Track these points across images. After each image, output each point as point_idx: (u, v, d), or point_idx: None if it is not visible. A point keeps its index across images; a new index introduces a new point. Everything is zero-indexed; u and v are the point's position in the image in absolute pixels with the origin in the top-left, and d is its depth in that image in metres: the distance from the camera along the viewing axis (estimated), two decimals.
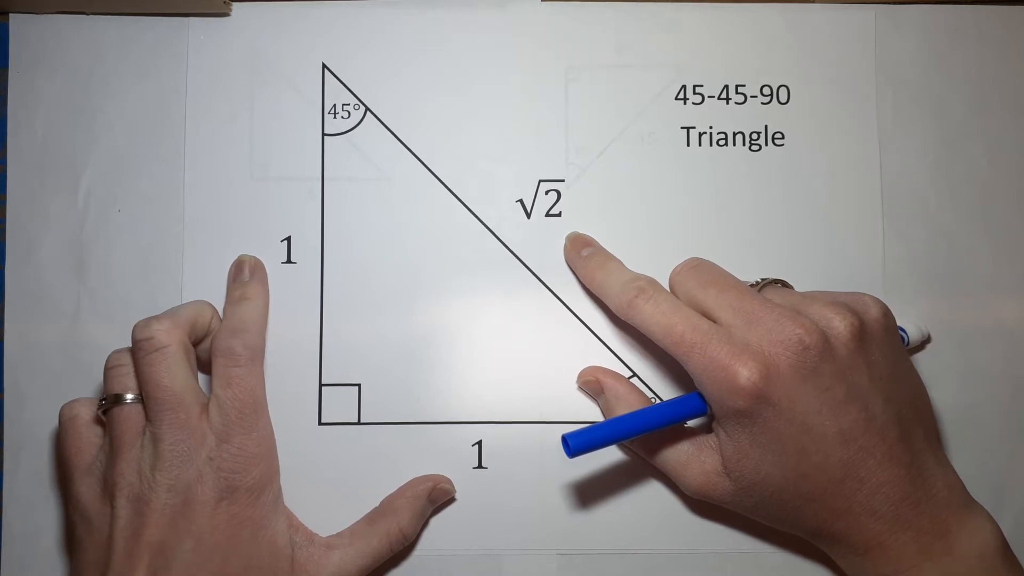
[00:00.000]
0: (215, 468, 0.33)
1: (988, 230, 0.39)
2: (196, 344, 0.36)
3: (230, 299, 0.37)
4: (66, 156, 0.39)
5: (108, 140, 0.39)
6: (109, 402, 0.34)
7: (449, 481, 0.37)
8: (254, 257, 0.38)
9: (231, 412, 0.33)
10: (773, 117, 0.39)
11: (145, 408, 0.34)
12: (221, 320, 0.37)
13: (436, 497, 0.37)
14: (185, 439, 0.33)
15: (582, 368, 0.38)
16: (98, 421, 0.35)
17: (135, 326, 0.34)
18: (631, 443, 0.37)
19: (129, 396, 0.34)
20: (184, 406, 0.33)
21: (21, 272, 0.39)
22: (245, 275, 0.37)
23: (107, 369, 0.35)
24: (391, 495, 0.37)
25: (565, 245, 0.39)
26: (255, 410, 0.34)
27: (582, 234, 0.39)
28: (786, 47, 0.39)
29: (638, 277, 0.36)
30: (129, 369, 0.34)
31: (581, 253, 0.38)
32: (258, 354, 0.35)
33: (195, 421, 0.33)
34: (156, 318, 0.34)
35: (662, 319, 0.34)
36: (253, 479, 0.33)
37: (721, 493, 0.35)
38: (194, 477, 0.32)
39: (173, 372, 0.33)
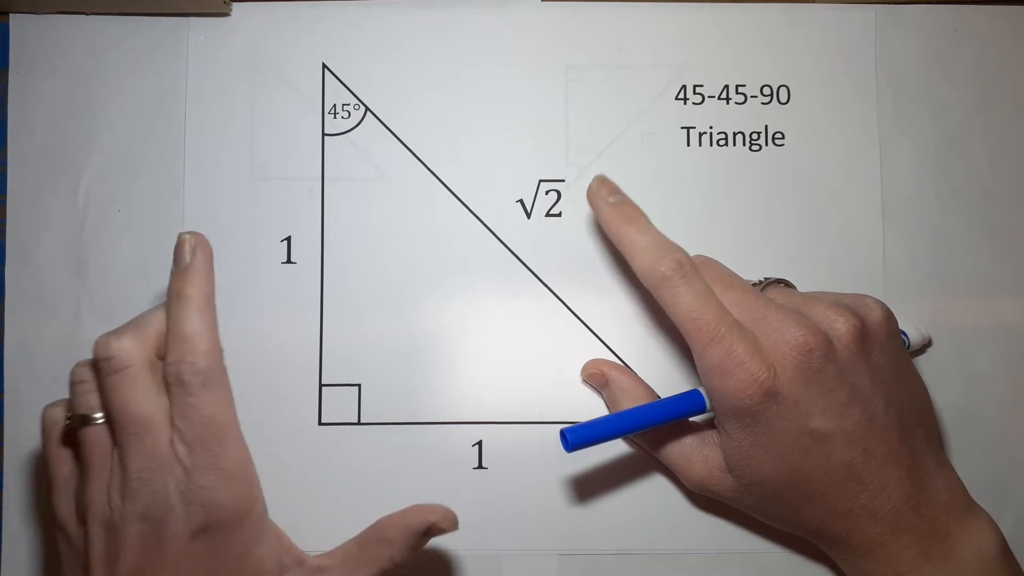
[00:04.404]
0: (186, 502, 0.30)
1: (988, 230, 0.39)
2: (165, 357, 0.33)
3: (168, 296, 0.33)
4: (66, 156, 0.39)
5: (108, 140, 0.39)
6: (75, 422, 0.32)
7: (452, 518, 0.34)
8: (195, 233, 0.33)
9: (194, 443, 0.31)
10: (773, 117, 0.39)
11: (111, 430, 0.31)
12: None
13: (434, 534, 0.34)
14: (153, 467, 0.30)
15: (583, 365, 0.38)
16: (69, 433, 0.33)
17: (96, 343, 0.31)
18: (634, 435, 0.37)
19: (97, 416, 0.32)
20: (151, 431, 0.31)
21: (21, 272, 0.39)
22: (185, 258, 0.33)
23: (72, 384, 0.32)
24: (387, 519, 0.34)
25: (591, 186, 0.35)
26: (218, 436, 0.31)
27: (609, 179, 0.36)
28: (786, 47, 0.39)
29: (675, 248, 0.33)
30: (93, 386, 0.32)
31: (608, 199, 0.35)
32: (211, 374, 0.31)
33: (163, 448, 0.31)
34: (117, 333, 0.31)
35: (692, 302, 0.32)
36: (228, 511, 0.31)
37: (723, 488, 0.35)
38: (164, 509, 0.30)
39: (137, 395, 0.31)
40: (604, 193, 0.35)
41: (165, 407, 0.31)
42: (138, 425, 0.31)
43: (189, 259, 0.33)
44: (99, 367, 0.31)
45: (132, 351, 0.31)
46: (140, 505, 0.30)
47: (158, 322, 0.32)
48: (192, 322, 0.32)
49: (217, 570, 0.31)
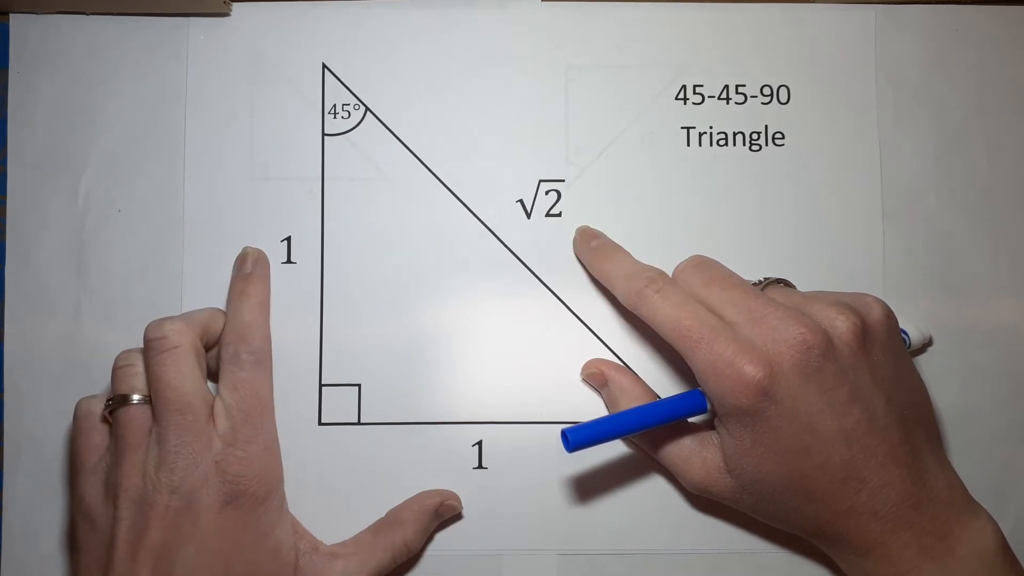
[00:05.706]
0: (220, 472, 0.33)
1: (988, 230, 0.39)
2: (207, 350, 0.36)
3: (232, 294, 0.37)
4: (66, 156, 0.39)
5: (108, 140, 0.39)
6: (116, 402, 0.34)
7: (457, 497, 0.37)
8: (257, 249, 0.38)
9: (237, 416, 0.34)
10: (773, 117, 0.39)
11: (153, 408, 0.33)
12: None
13: (443, 513, 0.37)
14: (191, 442, 0.32)
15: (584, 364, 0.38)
16: (105, 420, 0.35)
17: (148, 325, 0.34)
18: (633, 436, 0.37)
19: (136, 397, 0.34)
20: (192, 408, 0.33)
21: (21, 272, 0.39)
22: (247, 267, 0.37)
23: (115, 369, 0.35)
24: (397, 507, 0.37)
25: (575, 238, 0.38)
26: (261, 413, 0.34)
27: (591, 227, 0.38)
28: (786, 47, 0.39)
29: (648, 268, 0.36)
30: (137, 369, 0.34)
31: (590, 244, 0.38)
32: (263, 356, 0.35)
33: (202, 424, 0.33)
34: (169, 319, 0.34)
35: (670, 312, 0.33)
36: (258, 484, 0.33)
37: (722, 489, 0.35)
38: (199, 481, 0.32)
39: (183, 373, 0.33)
40: (586, 239, 0.38)
41: (205, 391, 0.34)
42: (181, 402, 0.33)
43: (251, 268, 0.37)
44: (149, 347, 0.34)
45: (183, 332, 0.34)
46: (175, 477, 0.32)
47: (203, 316, 0.36)
48: (251, 313, 0.36)
49: (241, 544, 0.33)
